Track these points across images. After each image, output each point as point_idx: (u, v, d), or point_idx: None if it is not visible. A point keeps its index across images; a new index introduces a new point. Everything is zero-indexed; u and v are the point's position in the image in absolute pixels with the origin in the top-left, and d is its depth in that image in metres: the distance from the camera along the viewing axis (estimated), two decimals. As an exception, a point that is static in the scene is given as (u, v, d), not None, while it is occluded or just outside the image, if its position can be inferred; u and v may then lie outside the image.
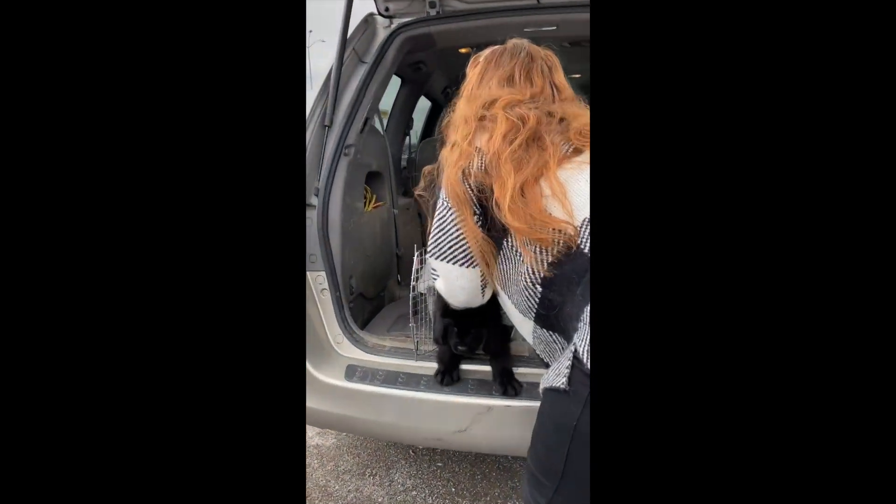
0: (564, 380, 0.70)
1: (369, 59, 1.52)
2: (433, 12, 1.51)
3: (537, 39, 1.00)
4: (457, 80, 3.09)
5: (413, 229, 2.32)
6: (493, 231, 0.83)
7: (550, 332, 0.85)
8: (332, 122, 1.42)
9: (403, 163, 2.70)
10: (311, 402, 1.31)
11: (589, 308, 0.70)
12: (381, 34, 1.55)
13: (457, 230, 0.85)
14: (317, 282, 1.38)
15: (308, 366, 1.32)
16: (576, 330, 0.73)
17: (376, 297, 1.81)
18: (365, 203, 1.73)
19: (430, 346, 1.31)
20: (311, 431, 1.94)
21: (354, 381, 1.30)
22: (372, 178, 1.81)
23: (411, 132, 2.77)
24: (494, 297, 0.97)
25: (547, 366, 0.89)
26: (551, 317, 0.82)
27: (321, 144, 1.41)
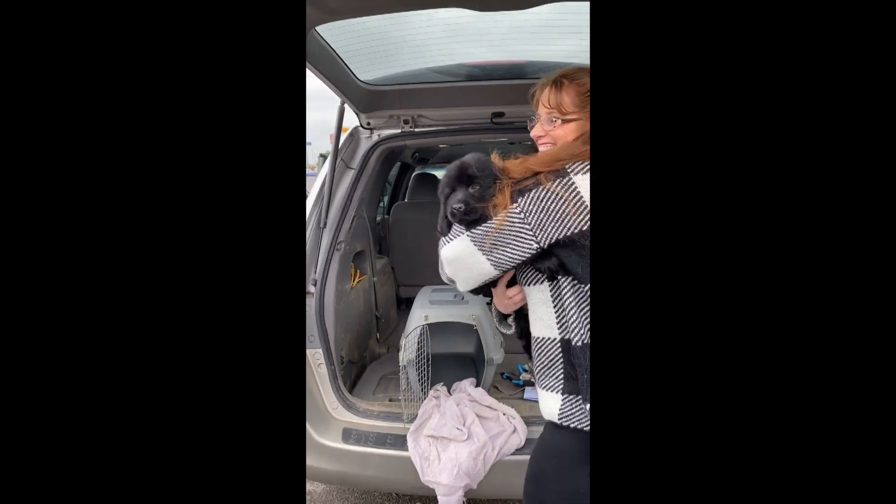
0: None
1: (355, 165, 1.83)
2: (407, 128, 1.85)
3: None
4: (424, 147, 3.46)
5: (389, 289, 2.61)
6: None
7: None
8: (326, 223, 1.71)
9: (378, 218, 3.00)
10: (314, 462, 1.56)
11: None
12: (364, 144, 1.87)
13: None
14: (314, 358, 1.64)
15: (310, 430, 1.57)
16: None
17: (360, 359, 2.08)
18: (351, 280, 2.01)
19: (416, 410, 1.60)
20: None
21: (350, 443, 1.56)
22: (357, 256, 2.10)
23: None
24: None
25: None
26: None
27: (317, 241, 1.70)
